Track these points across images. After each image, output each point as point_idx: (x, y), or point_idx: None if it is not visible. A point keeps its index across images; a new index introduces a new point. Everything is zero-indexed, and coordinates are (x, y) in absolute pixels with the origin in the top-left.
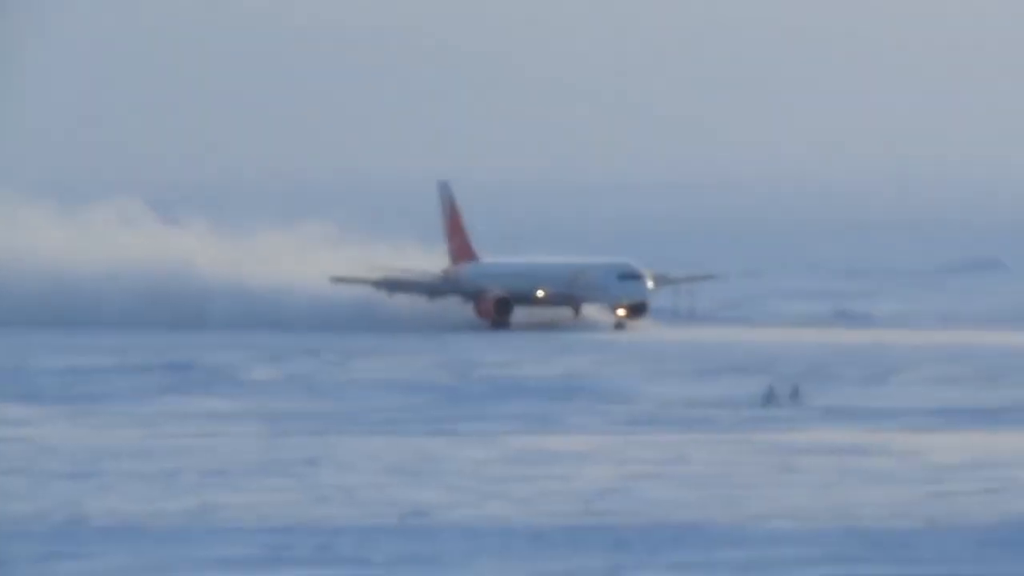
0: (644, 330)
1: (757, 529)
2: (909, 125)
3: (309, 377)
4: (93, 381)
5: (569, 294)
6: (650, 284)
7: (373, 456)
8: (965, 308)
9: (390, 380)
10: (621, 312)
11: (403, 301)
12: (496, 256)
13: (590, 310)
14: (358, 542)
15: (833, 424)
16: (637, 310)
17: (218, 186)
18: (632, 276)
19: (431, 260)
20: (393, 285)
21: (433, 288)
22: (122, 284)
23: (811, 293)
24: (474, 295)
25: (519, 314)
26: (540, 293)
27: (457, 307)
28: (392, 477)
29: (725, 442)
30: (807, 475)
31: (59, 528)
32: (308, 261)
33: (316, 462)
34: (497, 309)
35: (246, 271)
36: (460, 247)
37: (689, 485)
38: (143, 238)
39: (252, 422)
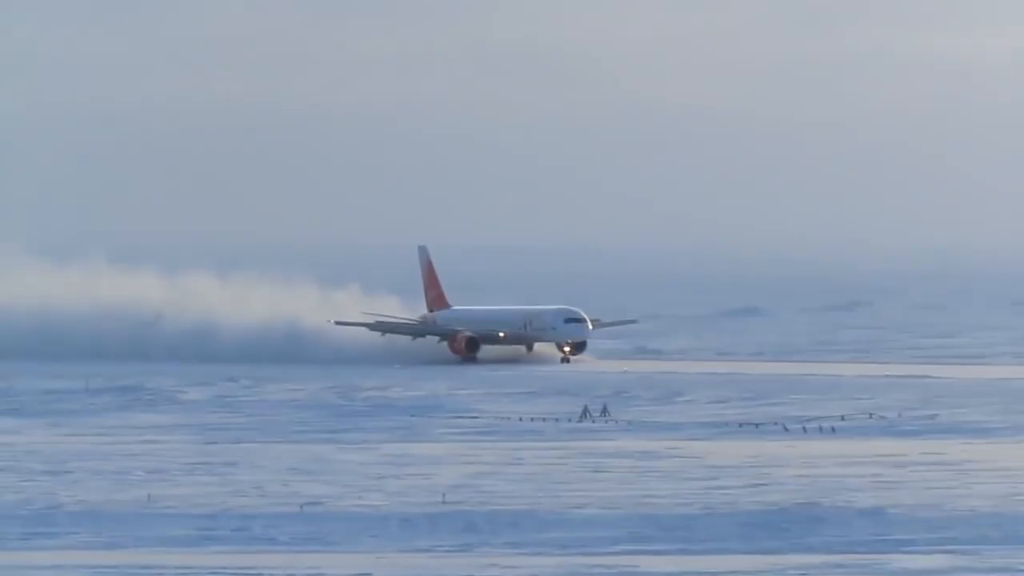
0: (580, 363)
1: (575, 515)
2: (691, 201)
3: (230, 398)
4: (64, 400)
5: (525, 334)
6: (590, 326)
7: (278, 458)
8: (735, 344)
9: (292, 400)
10: (567, 349)
11: (336, 337)
12: (465, 304)
13: (541, 347)
14: (268, 525)
15: (634, 434)
16: (579, 347)
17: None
18: (576, 319)
19: (408, 308)
20: (385, 327)
21: (415, 330)
22: (89, 324)
23: (617, 333)
24: (448, 335)
25: (484, 351)
26: (501, 334)
27: (434, 345)
28: (293, 475)
29: (550, 448)
30: (613, 473)
31: (39, 512)
32: (235, 304)
33: (235, 463)
34: (467, 347)
35: (185, 315)
36: (436, 297)
37: (523, 481)
38: (106, 288)
39: (185, 432)
